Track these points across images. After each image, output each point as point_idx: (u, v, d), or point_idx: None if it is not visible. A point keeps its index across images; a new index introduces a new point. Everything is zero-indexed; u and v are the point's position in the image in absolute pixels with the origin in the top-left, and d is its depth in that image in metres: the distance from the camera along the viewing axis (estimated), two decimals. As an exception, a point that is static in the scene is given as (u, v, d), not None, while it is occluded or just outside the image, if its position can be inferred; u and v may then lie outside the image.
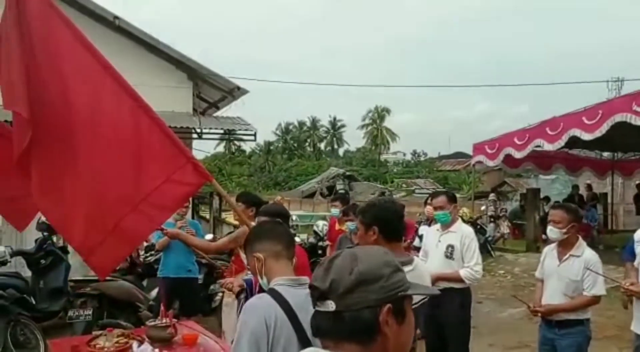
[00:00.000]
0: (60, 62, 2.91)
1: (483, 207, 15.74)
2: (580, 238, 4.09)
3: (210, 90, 11.91)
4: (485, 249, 12.61)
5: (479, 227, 13.32)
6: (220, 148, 68.22)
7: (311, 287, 1.25)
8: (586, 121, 11.06)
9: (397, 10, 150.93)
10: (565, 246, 4.04)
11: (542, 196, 14.65)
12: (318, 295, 1.22)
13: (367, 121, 67.47)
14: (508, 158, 13.50)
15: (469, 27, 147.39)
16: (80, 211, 2.90)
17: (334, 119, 71.46)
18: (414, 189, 39.95)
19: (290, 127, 71.53)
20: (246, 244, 2.33)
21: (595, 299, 3.94)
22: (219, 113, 13.31)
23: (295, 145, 69.85)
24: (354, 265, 1.22)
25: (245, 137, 10.34)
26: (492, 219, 14.97)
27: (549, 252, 4.20)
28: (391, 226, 2.70)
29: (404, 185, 43.61)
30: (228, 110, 12.70)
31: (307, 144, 70.90)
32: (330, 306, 1.19)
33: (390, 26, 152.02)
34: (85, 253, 2.97)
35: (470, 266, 4.37)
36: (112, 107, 3.02)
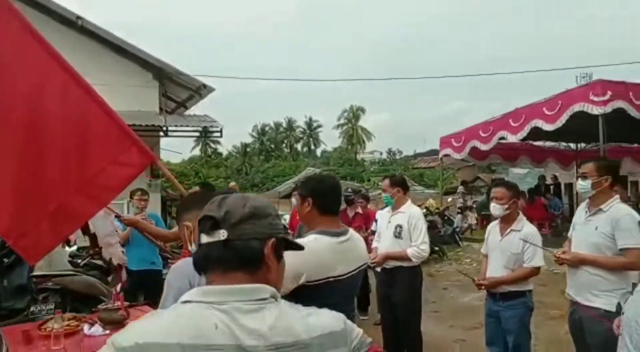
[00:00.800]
0: (2, 49, 2.99)
1: (450, 199, 16.02)
2: (520, 213, 4.29)
3: (177, 89, 11.97)
4: (453, 238, 12.89)
5: (446, 218, 13.61)
6: (197, 151, 67.90)
7: (204, 218, 1.33)
8: (547, 112, 11.32)
9: (371, 12, 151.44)
10: (506, 221, 4.23)
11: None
12: (211, 224, 1.31)
13: (342, 121, 67.84)
14: (474, 150, 13.75)
15: (442, 27, 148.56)
16: (8, 196, 2.96)
17: (310, 119, 71.80)
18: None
19: (267, 128, 71.56)
20: (177, 216, 2.43)
21: (535, 271, 4.13)
22: (188, 112, 13.38)
23: (272, 146, 69.82)
24: (247, 201, 1.35)
25: (212, 134, 10.37)
26: (460, 211, 15.29)
27: (493, 228, 4.39)
28: (325, 198, 2.80)
29: (380, 183, 44.01)
30: (196, 109, 12.80)
31: (284, 145, 70.95)
32: (222, 234, 1.29)
33: (367, 28, 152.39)
34: (13, 237, 3.04)
35: (417, 245, 4.54)
36: (56, 93, 3.10)
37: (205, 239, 1.32)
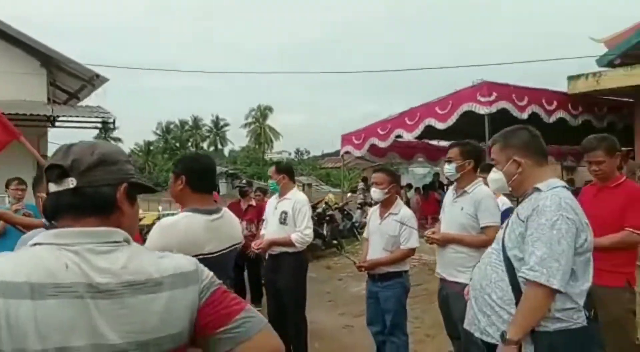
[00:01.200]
0: None
1: (349, 195, 16.43)
2: (398, 198, 4.51)
3: (69, 79, 11.37)
4: (352, 232, 13.23)
5: (345, 212, 13.94)
6: (96, 149, 64.67)
7: (50, 166, 1.30)
8: (439, 111, 11.88)
9: (287, 13, 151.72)
10: (385, 205, 4.42)
11: (405, 183, 15.55)
12: (59, 173, 1.28)
13: (250, 120, 67.46)
14: (373, 148, 14.14)
15: (355, 31, 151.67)
16: None
17: (217, 117, 70.76)
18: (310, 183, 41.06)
19: (172, 126, 69.66)
20: (33, 188, 2.35)
21: (410, 251, 4.36)
22: (81, 104, 12.76)
23: (177, 145, 68.07)
24: (95, 148, 1.33)
25: (107, 127, 9.93)
26: (360, 206, 15.72)
27: (373, 213, 4.58)
28: (199, 177, 2.80)
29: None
30: (89, 102, 12.22)
31: (189, 143, 69.39)
32: (71, 183, 1.27)
33: (280, 28, 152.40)
34: None
35: (301, 230, 4.62)
36: None
37: (53, 187, 1.29)
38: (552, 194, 2.26)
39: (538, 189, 2.33)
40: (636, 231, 3.41)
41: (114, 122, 9.87)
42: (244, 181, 7.99)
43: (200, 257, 2.67)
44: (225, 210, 2.99)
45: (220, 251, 2.78)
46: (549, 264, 2.15)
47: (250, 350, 1.29)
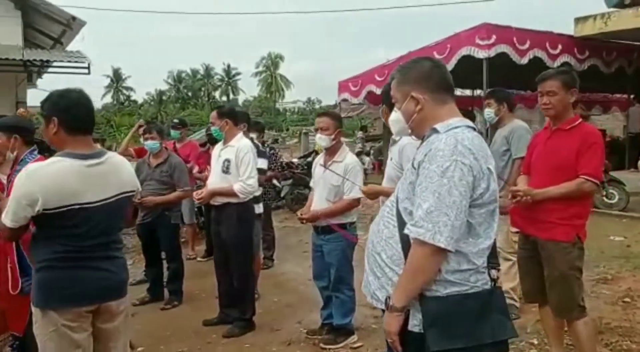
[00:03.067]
0: None
1: (346, 140, 16.06)
2: (344, 145, 4.16)
3: (46, 22, 10.93)
4: (347, 182, 12.93)
5: (340, 162, 13.61)
6: (108, 98, 64.76)
7: None
8: (437, 55, 11.27)
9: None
10: (330, 153, 4.08)
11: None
12: None
13: (260, 68, 66.39)
14: (370, 95, 13.67)
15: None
16: None
17: (228, 66, 69.74)
18: (306, 132, 40.52)
19: (183, 75, 68.92)
20: None
21: (354, 202, 4.02)
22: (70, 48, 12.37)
23: (190, 94, 67.60)
24: None
25: (77, 71, 9.54)
26: (357, 155, 15.41)
27: (318, 160, 4.23)
28: (73, 116, 2.45)
29: (298, 132, 43.95)
30: (82, 46, 11.83)
31: (201, 93, 68.82)
32: None
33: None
34: None
35: (243, 180, 4.29)
36: None
37: None
38: (447, 136, 1.87)
39: (436, 130, 1.95)
40: (591, 178, 3.04)
41: (88, 67, 9.43)
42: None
43: (77, 206, 2.38)
44: (112, 154, 2.64)
45: (103, 199, 2.46)
46: (436, 218, 1.78)
47: None
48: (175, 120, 7.61)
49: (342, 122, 4.18)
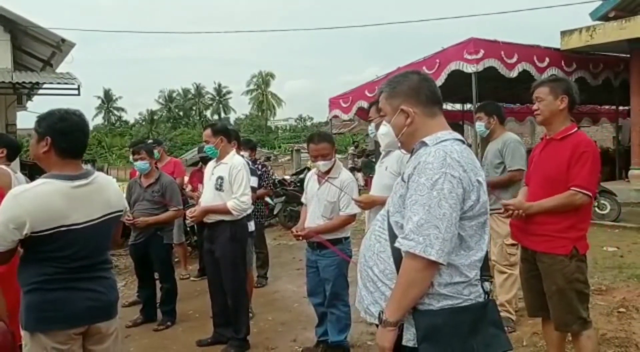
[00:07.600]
0: None
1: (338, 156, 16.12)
2: (337, 161, 4.17)
3: (36, 44, 10.94)
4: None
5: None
6: (99, 119, 64.69)
7: None
8: (427, 70, 11.37)
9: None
10: (326, 171, 4.08)
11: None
12: None
13: (251, 87, 66.62)
14: (361, 111, 13.70)
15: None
16: None
17: (219, 85, 69.90)
18: (298, 149, 40.66)
19: (174, 94, 69.01)
20: None
21: (351, 218, 4.02)
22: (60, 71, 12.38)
23: (181, 113, 67.64)
24: None
25: (67, 92, 9.51)
26: (349, 171, 15.46)
27: (311, 177, 4.23)
28: (69, 142, 2.41)
29: (290, 149, 44.03)
30: (71, 68, 11.83)
31: (193, 112, 68.88)
32: None
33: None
34: None
35: (237, 197, 4.27)
36: None
37: None
38: (436, 149, 1.88)
39: (425, 144, 1.95)
40: (582, 190, 2.99)
41: (78, 88, 9.43)
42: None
43: (64, 228, 2.35)
44: (99, 175, 2.61)
45: (89, 221, 2.43)
46: (427, 231, 1.78)
47: None
48: (150, 141, 7.49)
49: (334, 142, 4.21)
